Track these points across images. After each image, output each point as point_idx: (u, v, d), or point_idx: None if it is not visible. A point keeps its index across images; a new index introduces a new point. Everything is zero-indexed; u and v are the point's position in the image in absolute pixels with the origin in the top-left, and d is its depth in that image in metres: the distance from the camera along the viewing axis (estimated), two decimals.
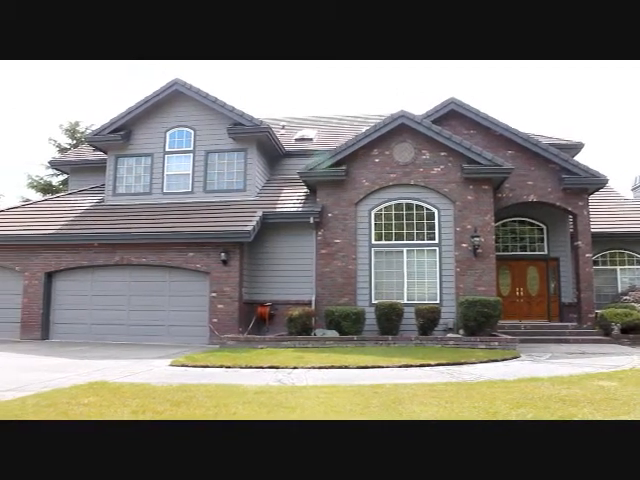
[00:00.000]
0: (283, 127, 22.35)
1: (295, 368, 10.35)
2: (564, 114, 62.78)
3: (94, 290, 16.43)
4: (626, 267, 19.60)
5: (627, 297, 17.61)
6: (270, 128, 17.98)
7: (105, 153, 19.01)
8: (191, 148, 18.25)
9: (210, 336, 15.23)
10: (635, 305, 16.70)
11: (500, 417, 6.08)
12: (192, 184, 18.00)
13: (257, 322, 16.03)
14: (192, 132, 18.31)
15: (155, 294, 16.06)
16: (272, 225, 16.52)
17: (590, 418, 6.00)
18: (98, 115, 57.67)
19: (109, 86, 64.34)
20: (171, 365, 10.86)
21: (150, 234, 15.90)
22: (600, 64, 60.87)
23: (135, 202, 18.01)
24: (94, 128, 22.07)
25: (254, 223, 15.62)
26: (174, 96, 18.43)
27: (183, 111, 18.48)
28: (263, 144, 18.37)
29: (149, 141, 18.49)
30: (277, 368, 10.37)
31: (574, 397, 7.17)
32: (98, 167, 19.94)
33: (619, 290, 19.05)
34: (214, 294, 15.56)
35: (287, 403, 6.81)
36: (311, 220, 16.04)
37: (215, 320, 15.39)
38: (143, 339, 15.62)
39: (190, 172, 18.11)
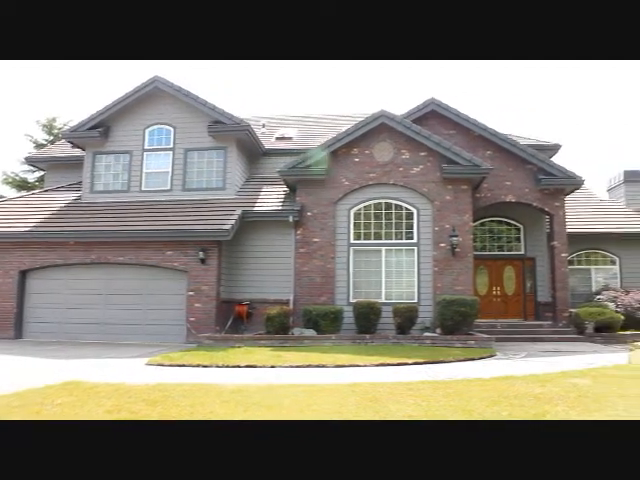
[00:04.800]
0: (263, 126, 22.28)
1: (273, 367, 10.36)
2: (542, 116, 63.43)
3: (69, 289, 16.24)
4: (600, 267, 19.88)
5: (601, 296, 17.86)
6: (250, 127, 17.93)
7: (83, 150, 18.79)
8: (170, 146, 18.11)
9: (187, 335, 15.15)
10: (608, 304, 16.95)
11: (476, 415, 6.14)
12: (171, 182, 17.87)
13: (235, 321, 15.98)
14: (172, 130, 18.18)
15: (132, 293, 15.92)
16: (251, 224, 16.49)
17: (563, 415, 6.10)
18: (76, 111, 57.05)
19: (88, 82, 63.72)
20: (147, 364, 10.80)
21: (127, 232, 15.76)
22: (575, 65, 61.69)
23: (113, 200, 17.84)
24: (72, 124, 21.86)
25: (233, 222, 15.57)
26: (154, 93, 18.28)
27: (163, 109, 18.33)
28: (243, 143, 18.30)
29: (128, 138, 18.31)
30: (254, 367, 10.37)
31: (548, 395, 7.27)
32: (75, 164, 19.72)
33: (593, 289, 19.30)
34: (192, 293, 15.48)
35: (264, 402, 6.81)
36: (290, 219, 16.02)
37: (192, 319, 15.31)
38: (119, 338, 15.47)
39: (169, 170, 17.97)
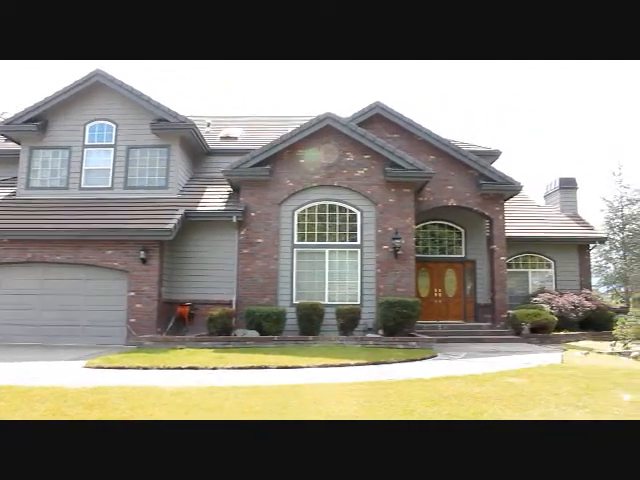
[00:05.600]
0: (208, 125, 22.03)
1: (215, 369, 10.24)
2: (484, 123, 65.15)
3: (2, 289, 15.52)
4: (537, 270, 20.56)
5: (537, 298, 18.43)
6: (195, 125, 17.69)
7: (18, 144, 18.09)
8: (112, 143, 17.67)
9: (127, 336, 14.81)
10: (544, 306, 17.53)
11: (416, 415, 6.23)
12: (112, 180, 17.43)
13: (177, 322, 15.72)
14: (114, 126, 17.74)
15: (70, 293, 15.40)
16: (194, 223, 16.27)
17: (500, 413, 6.27)
18: (11, 103, 55.00)
19: (26, 73, 61.58)
20: (85, 367, 10.48)
21: (65, 230, 15.28)
22: (517, 74, 63.65)
23: (50, 197, 17.22)
24: (7, 116, 20.95)
25: (175, 221, 15.33)
26: (95, 88, 17.79)
27: (105, 104, 17.86)
28: (187, 141, 18.06)
29: (67, 134, 17.74)
30: (196, 369, 10.23)
31: (486, 394, 7.46)
32: (10, 158, 18.93)
33: (530, 292, 19.91)
34: (132, 293, 15.15)
35: (205, 404, 6.72)
36: (234, 219, 15.90)
37: (133, 320, 14.98)
38: (56, 340, 14.93)
39: (110, 167, 17.53)
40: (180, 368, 10.28)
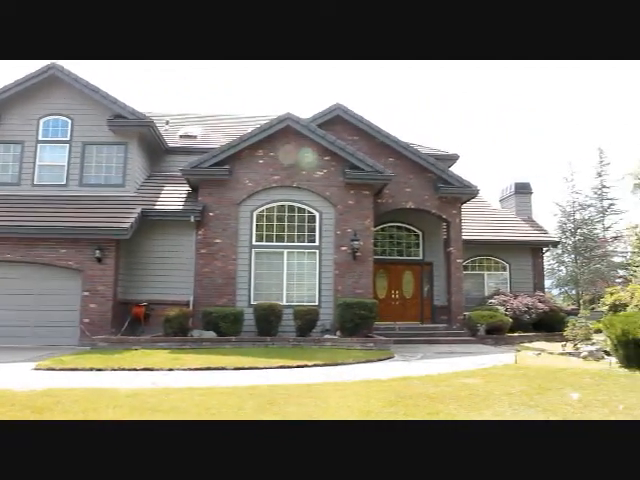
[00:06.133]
0: (167, 122, 21.75)
1: (171, 370, 10.11)
2: (443, 126, 66.07)
3: None
4: (492, 272, 20.95)
5: (492, 300, 18.73)
6: (153, 122, 17.44)
7: None
8: (67, 138, 17.27)
9: (81, 337, 14.50)
10: (499, 308, 17.83)
11: (373, 416, 6.27)
12: (67, 177, 17.03)
13: (132, 323, 15.45)
14: (69, 122, 17.34)
15: (20, 292, 14.94)
16: (152, 222, 16.03)
17: (455, 413, 6.38)
18: None
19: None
20: (36, 369, 10.19)
21: (17, 228, 14.86)
22: (474, 79, 64.69)
23: (1, 192, 16.71)
24: None
25: (132, 220, 15.08)
26: (51, 82, 17.35)
27: (60, 99, 17.43)
28: (145, 138, 17.78)
29: (20, 128, 17.24)
30: (152, 370, 10.08)
31: (441, 394, 7.56)
32: None
33: (485, 293, 20.22)
34: (86, 293, 14.83)
35: (160, 406, 6.63)
36: (192, 219, 15.73)
37: (87, 320, 14.67)
38: (5, 341, 14.35)
39: (65, 164, 17.13)
40: (135, 369, 10.13)
